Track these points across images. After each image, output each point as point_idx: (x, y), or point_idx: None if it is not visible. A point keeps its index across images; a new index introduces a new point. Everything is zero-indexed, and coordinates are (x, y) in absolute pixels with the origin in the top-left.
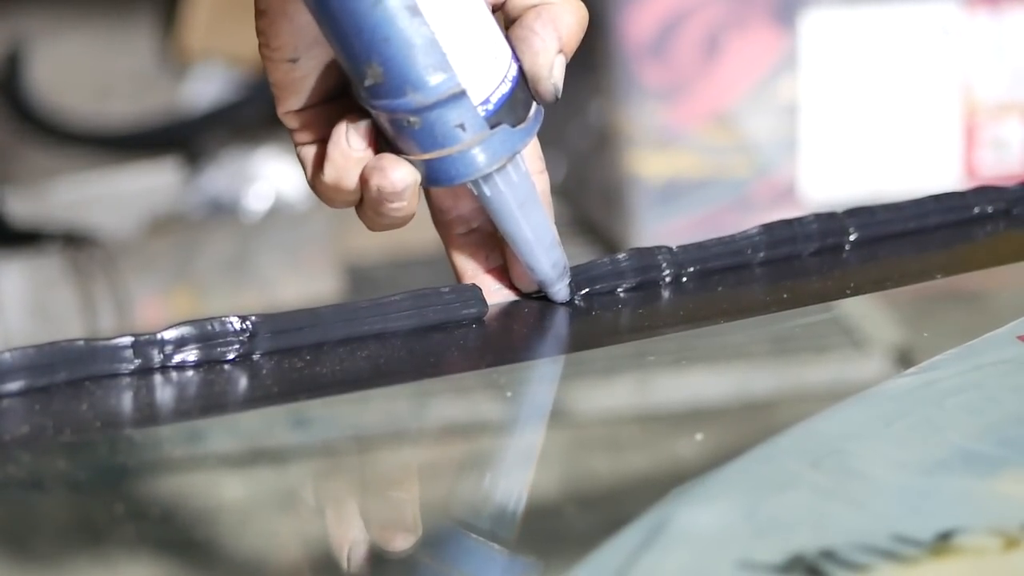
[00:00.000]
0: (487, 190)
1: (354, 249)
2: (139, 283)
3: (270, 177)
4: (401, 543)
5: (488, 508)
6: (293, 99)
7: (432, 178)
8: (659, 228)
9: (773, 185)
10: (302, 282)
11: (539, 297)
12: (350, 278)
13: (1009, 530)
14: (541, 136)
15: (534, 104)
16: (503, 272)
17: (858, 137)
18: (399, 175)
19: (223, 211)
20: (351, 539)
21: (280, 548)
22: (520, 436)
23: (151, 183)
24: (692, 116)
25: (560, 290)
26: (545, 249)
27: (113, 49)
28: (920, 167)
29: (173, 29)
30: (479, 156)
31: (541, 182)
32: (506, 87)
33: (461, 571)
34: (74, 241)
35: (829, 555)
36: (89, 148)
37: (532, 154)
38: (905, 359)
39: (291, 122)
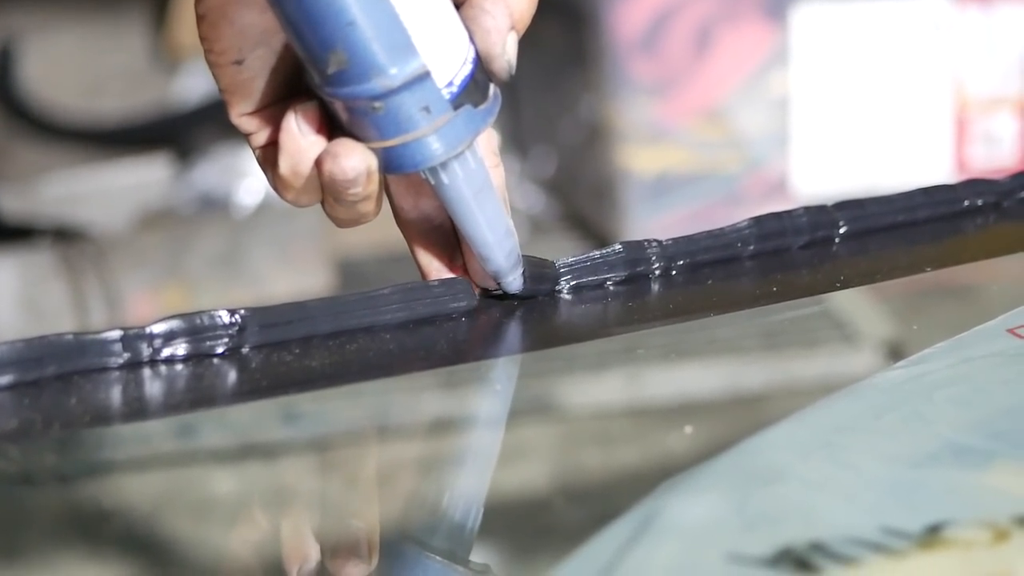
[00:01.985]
0: (445, 178)
1: (344, 244)
2: (130, 278)
3: (260, 172)
4: (387, 539)
5: (476, 502)
6: (244, 102)
7: (394, 165)
8: (650, 223)
9: (764, 180)
10: (293, 277)
11: (506, 295)
12: (340, 272)
13: (999, 523)
14: (533, 131)
15: (491, 86)
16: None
17: (849, 131)
18: (351, 162)
19: (214, 206)
20: (339, 534)
21: (269, 542)
22: (509, 430)
23: (142, 178)
24: (683, 111)
25: (513, 280)
26: (499, 239)
27: (104, 45)
28: (911, 161)
29: (164, 25)
30: (443, 139)
31: (497, 175)
32: (467, 68)
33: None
34: (65, 236)
35: (818, 547)
36: (80, 144)
37: (488, 148)
38: (895, 352)
39: (245, 126)
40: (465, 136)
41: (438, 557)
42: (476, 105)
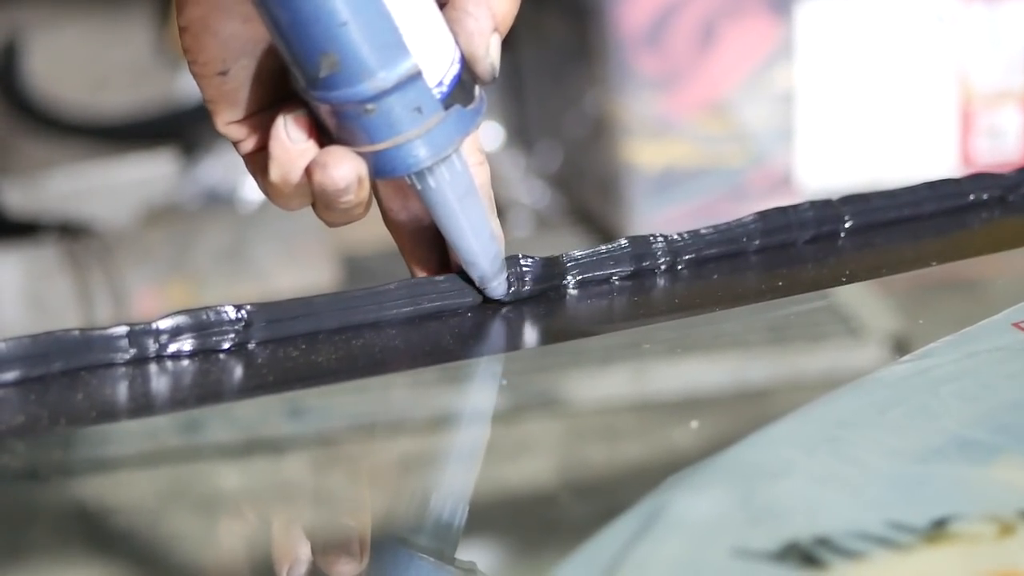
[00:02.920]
0: (432, 182)
1: (350, 239)
2: (135, 274)
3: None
4: (387, 535)
5: (483, 497)
6: (230, 111)
7: (385, 169)
8: (655, 217)
9: (769, 174)
10: (298, 272)
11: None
12: (346, 268)
13: (1004, 516)
14: (538, 125)
15: (477, 88)
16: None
17: (854, 126)
18: (341, 172)
19: (219, 201)
20: (343, 529)
21: (273, 537)
22: (515, 425)
23: (147, 174)
24: (688, 105)
25: (498, 286)
26: (483, 244)
27: (109, 40)
28: (916, 155)
29: (168, 21)
30: (434, 140)
31: (481, 174)
32: (455, 68)
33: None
34: (70, 232)
35: (824, 542)
36: (85, 139)
37: (472, 146)
38: (900, 346)
39: (233, 134)
40: (455, 137)
41: (439, 553)
42: (465, 105)
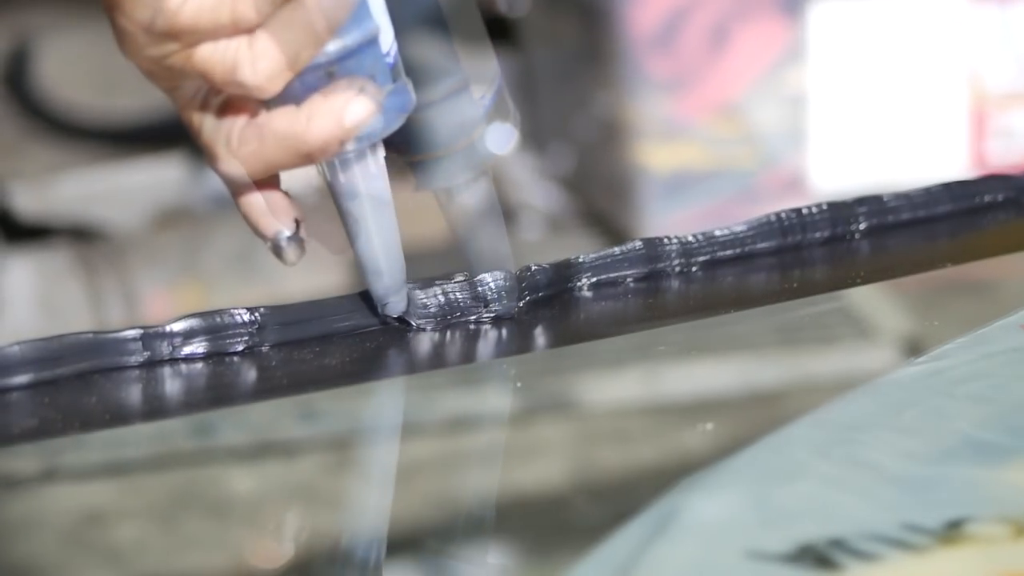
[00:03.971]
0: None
1: None
2: (146, 277)
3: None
4: (405, 537)
5: (496, 499)
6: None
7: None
8: (666, 219)
9: (780, 176)
10: (309, 275)
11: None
12: (357, 270)
13: (1018, 518)
14: (549, 128)
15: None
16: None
17: (866, 128)
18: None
19: (230, 204)
20: (356, 531)
21: (288, 539)
22: (528, 427)
23: (158, 177)
24: (699, 107)
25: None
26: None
27: None
28: (928, 157)
29: None
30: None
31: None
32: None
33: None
34: (81, 235)
35: (839, 544)
36: (96, 143)
37: None
38: (913, 348)
39: (235, 170)
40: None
41: (454, 555)
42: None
